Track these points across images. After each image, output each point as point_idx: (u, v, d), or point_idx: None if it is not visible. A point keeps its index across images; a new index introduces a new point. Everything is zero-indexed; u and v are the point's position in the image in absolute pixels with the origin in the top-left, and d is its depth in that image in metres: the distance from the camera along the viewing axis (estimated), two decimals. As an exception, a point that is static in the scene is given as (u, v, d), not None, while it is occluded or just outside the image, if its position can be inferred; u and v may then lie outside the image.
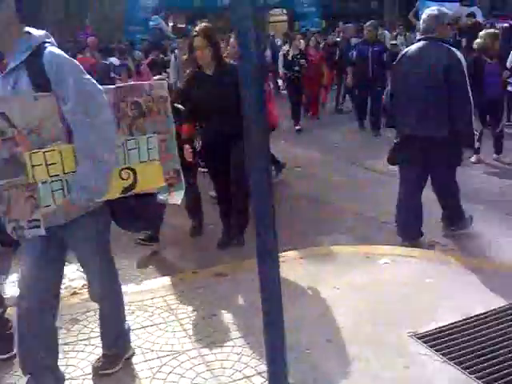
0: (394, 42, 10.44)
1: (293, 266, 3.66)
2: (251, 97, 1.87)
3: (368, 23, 8.50)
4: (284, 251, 3.86)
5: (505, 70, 6.23)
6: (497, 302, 3.06)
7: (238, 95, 2.05)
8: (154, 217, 2.66)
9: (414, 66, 3.89)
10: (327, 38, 11.55)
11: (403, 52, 4.13)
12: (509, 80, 6.26)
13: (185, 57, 4.50)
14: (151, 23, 16.29)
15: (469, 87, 3.75)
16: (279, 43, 14.31)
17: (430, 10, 4.04)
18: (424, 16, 4.01)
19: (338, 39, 12.22)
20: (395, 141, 4.16)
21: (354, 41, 10.12)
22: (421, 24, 4.08)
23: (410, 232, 4.08)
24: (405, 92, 3.96)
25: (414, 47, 4.01)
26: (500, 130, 6.14)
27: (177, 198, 2.57)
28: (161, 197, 2.49)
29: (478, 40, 6.23)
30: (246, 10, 1.83)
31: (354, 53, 8.43)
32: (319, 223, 4.71)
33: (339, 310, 3.08)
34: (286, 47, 10.35)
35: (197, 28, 3.94)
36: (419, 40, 4.04)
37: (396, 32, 11.37)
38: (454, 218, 4.28)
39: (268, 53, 13.24)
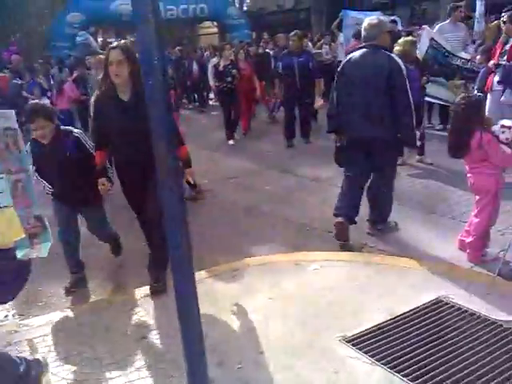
0: (318, 50, 10.59)
1: (226, 279, 3.63)
2: (157, 113, 1.83)
3: (292, 33, 8.12)
4: (216, 265, 3.86)
5: (423, 77, 6.54)
6: (423, 299, 3.16)
7: None
8: (13, 280, 2.13)
9: (357, 72, 4.08)
10: (249, 49, 11.49)
11: (347, 58, 4.30)
12: (426, 86, 6.56)
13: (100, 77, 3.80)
14: (78, 39, 15.89)
15: (409, 91, 3.97)
16: (206, 55, 14.31)
17: (370, 19, 4.22)
18: (365, 24, 4.18)
19: (268, 50, 12.41)
20: (338, 144, 4.35)
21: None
22: (362, 32, 4.25)
23: (346, 217, 4.21)
24: (349, 97, 4.14)
25: (357, 54, 4.17)
26: (421, 132, 6.41)
27: (43, 250, 2.13)
28: (20, 252, 2.06)
29: (396, 47, 6.51)
30: (149, 26, 1.80)
31: (280, 64, 8.17)
32: (252, 234, 4.71)
33: (272, 320, 3.08)
34: (215, 59, 10.31)
35: (115, 42, 3.55)
36: (361, 47, 4.21)
37: (321, 42, 11.66)
38: (382, 218, 4.43)
39: (195, 67, 13.22)
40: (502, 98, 5.42)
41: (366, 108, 4.03)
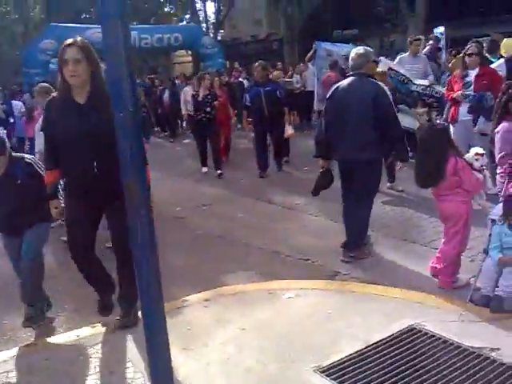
0: (289, 79, 10.76)
1: (197, 310, 3.56)
2: (128, 147, 1.78)
3: (256, 64, 8.01)
4: (188, 295, 3.78)
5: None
6: (397, 327, 3.15)
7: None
8: None
9: (345, 98, 4.28)
10: (220, 77, 11.61)
11: (335, 86, 4.48)
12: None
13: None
14: (52, 66, 15.83)
15: (396, 113, 4.26)
16: (178, 83, 14.39)
17: (357, 49, 4.47)
18: (352, 54, 4.42)
19: (241, 79, 12.60)
20: (322, 169, 4.55)
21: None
22: (349, 62, 4.50)
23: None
24: (338, 122, 4.32)
25: (345, 82, 4.41)
26: (391, 160, 6.52)
27: None
28: None
29: (369, 79, 6.71)
30: (118, 54, 1.78)
31: (247, 96, 8.01)
32: (225, 262, 4.66)
33: (245, 351, 3.01)
34: (188, 88, 10.34)
35: (70, 39, 3.05)
36: (349, 76, 4.45)
37: (292, 71, 11.96)
38: (356, 244, 4.45)
39: (166, 94, 13.26)
40: (477, 127, 5.58)
41: (354, 132, 4.22)
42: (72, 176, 3.15)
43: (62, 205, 3.26)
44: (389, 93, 4.29)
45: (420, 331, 3.10)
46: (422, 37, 8.88)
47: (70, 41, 3.02)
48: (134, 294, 3.05)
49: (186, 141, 12.02)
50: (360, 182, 4.32)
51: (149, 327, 1.84)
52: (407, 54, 7.85)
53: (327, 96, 4.52)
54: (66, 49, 2.99)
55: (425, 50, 9.29)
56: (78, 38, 3.06)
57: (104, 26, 1.75)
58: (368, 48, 4.60)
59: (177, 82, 14.86)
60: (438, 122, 5.91)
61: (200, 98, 8.36)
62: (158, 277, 1.76)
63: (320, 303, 3.55)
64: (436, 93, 7.09)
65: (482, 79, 5.61)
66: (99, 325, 3.42)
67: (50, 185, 3.23)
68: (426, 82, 7.23)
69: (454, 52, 10.05)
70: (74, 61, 2.95)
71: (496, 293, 3.30)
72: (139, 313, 3.10)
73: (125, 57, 1.71)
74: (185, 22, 28.14)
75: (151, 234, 1.80)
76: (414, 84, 7.07)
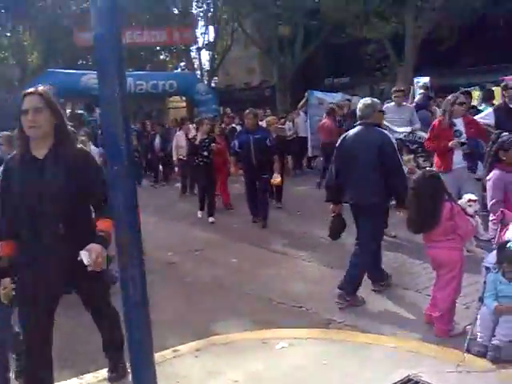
0: (281, 126, 10.89)
1: (188, 360, 3.46)
2: (121, 197, 1.77)
3: (247, 111, 7.86)
4: (181, 343, 3.68)
5: None
6: (393, 378, 3.07)
7: (88, 194, 1.54)
8: None
9: (352, 147, 4.49)
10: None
11: (344, 135, 4.70)
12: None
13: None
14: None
15: (401, 160, 4.48)
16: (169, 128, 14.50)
17: (365, 100, 4.70)
18: (360, 105, 4.66)
19: (234, 125, 12.77)
20: (332, 215, 4.68)
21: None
22: (357, 112, 4.70)
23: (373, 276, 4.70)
24: (346, 168, 4.51)
25: (353, 131, 4.62)
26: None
27: None
28: None
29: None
30: (114, 104, 1.80)
31: (236, 142, 7.83)
32: (217, 309, 4.56)
33: (237, 404, 2.91)
34: (180, 133, 10.45)
35: (31, 88, 2.77)
36: (356, 125, 4.64)
37: (284, 118, 12.23)
38: (352, 287, 4.42)
39: (157, 140, 13.35)
40: (477, 173, 5.67)
41: (360, 178, 4.39)
42: (32, 243, 2.71)
43: (13, 285, 2.76)
44: (394, 141, 4.47)
45: (417, 382, 3.02)
46: (403, 88, 8.97)
47: (30, 89, 2.75)
48: (119, 341, 3.03)
49: (178, 185, 12.05)
50: (366, 225, 4.46)
51: (138, 379, 1.78)
52: (392, 103, 7.89)
53: (337, 144, 4.72)
54: (25, 98, 2.69)
55: (416, 99, 9.47)
56: (40, 87, 2.78)
57: (101, 77, 1.77)
58: (375, 99, 4.81)
59: (166, 126, 14.98)
60: (427, 168, 5.97)
61: (197, 142, 8.36)
62: (148, 328, 1.71)
63: (314, 353, 3.46)
64: (419, 138, 7.20)
65: (470, 127, 5.77)
66: (87, 376, 3.29)
67: (4, 258, 2.76)
68: (408, 129, 7.36)
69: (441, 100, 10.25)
70: (34, 110, 2.65)
71: (493, 342, 3.25)
72: (128, 364, 3.02)
73: (120, 109, 1.72)
74: (179, 70, 28.73)
75: (141, 275, 1.77)
76: (396, 132, 7.17)
